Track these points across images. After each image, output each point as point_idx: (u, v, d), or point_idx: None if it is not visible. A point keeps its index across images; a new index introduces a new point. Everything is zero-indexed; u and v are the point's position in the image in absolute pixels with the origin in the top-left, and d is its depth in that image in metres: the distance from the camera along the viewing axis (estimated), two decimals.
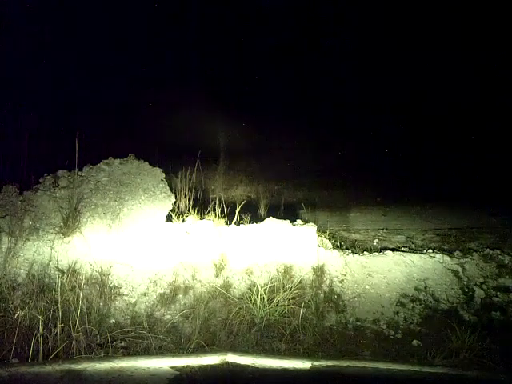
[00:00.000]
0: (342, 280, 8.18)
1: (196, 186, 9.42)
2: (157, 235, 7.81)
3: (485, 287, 8.38)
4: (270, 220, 8.38)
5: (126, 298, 7.22)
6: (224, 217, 8.84)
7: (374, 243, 10.34)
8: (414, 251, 9.48)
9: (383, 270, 8.48)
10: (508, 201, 12.20)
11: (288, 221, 8.47)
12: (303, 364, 2.73)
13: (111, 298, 7.02)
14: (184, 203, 9.04)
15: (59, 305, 5.52)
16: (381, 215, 12.53)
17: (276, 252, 8.08)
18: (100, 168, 8.34)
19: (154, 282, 7.51)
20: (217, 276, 7.80)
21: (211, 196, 9.80)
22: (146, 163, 8.47)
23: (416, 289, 8.13)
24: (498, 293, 8.27)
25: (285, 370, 2.55)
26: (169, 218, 8.42)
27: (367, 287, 8.13)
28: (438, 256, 8.91)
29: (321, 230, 9.38)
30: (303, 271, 8.04)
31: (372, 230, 11.31)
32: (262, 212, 10.24)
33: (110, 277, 7.31)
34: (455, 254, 9.16)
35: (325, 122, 12.69)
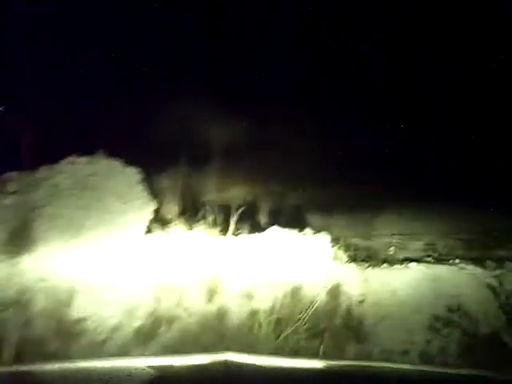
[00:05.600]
0: (362, 301, 7.01)
1: (184, 188, 7.90)
2: (133, 252, 6.31)
3: None
4: (274, 229, 6.94)
5: (92, 334, 5.68)
6: (218, 226, 7.31)
7: (391, 252, 9.13)
8: (439, 261, 8.39)
9: (408, 286, 7.33)
10: None
11: (295, 230, 7.00)
12: (304, 364, 2.76)
13: (72, 336, 5.45)
14: (169, 210, 7.49)
15: None
16: (395, 217, 11.19)
17: (282, 269, 6.82)
18: (61, 168, 6.65)
19: (129, 312, 6.00)
20: (209, 301, 6.42)
21: (203, 200, 8.23)
22: (119, 162, 6.84)
23: (449, 309, 6.96)
24: None
25: (285, 370, 2.54)
26: (150, 230, 6.86)
27: (392, 309, 6.96)
28: (468, 268, 7.83)
29: (334, 239, 7.95)
30: (315, 292, 6.78)
31: (387, 236, 10.09)
32: (263, 219, 8.67)
33: (71, 308, 5.71)
34: (487, 264, 8.02)
35: (332, 110, 11.51)
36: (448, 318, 6.84)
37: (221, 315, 6.23)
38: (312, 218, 9.22)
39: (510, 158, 11.50)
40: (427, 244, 9.77)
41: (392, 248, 9.40)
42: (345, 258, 7.64)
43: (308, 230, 7.73)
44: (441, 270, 7.66)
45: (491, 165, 11.35)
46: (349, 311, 6.71)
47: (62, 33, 9.86)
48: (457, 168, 11.62)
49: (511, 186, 10.89)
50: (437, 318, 6.81)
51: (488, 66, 10.85)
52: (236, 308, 6.43)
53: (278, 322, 6.15)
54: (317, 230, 7.68)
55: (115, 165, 6.84)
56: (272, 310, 6.28)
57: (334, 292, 6.85)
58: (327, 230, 7.99)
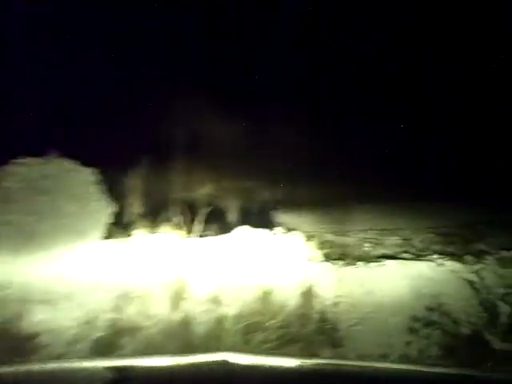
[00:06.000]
0: (337, 303, 6.64)
1: (148, 188, 7.47)
2: (90, 258, 5.88)
3: (509, 300, 6.94)
4: (243, 229, 6.58)
5: (47, 349, 5.23)
6: (184, 227, 6.91)
7: (367, 248, 8.80)
8: (417, 257, 8.14)
9: (385, 285, 7.05)
10: (509, 192, 10.76)
11: (266, 229, 6.64)
12: (303, 364, 2.71)
13: (25, 353, 5.00)
14: (131, 212, 7.06)
15: None
16: (372, 212, 10.89)
17: (252, 271, 6.50)
18: (10, 170, 6.20)
19: (87, 322, 5.55)
20: (174, 309, 5.95)
21: (168, 200, 7.80)
22: (74, 163, 6.39)
23: (429, 308, 6.66)
24: None
25: (285, 370, 2.54)
26: (110, 234, 6.43)
27: (368, 310, 6.60)
28: (447, 263, 7.62)
29: (308, 237, 7.61)
30: (288, 295, 6.46)
31: (363, 231, 9.82)
32: (232, 218, 8.26)
33: (23, 323, 5.26)
34: (466, 259, 7.84)
35: (307, 100, 11.39)
36: (428, 317, 6.53)
37: (186, 323, 5.83)
38: (284, 215, 8.84)
39: (486, 151, 11.64)
40: (404, 239, 9.45)
41: (368, 244, 9.04)
42: (319, 256, 7.29)
43: (280, 229, 7.39)
44: (419, 266, 7.43)
45: (467, 158, 11.55)
46: (323, 314, 6.35)
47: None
48: (432, 162, 11.91)
49: (487, 178, 11.11)
50: (416, 318, 6.48)
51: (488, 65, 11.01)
52: (203, 315, 6.05)
53: (248, 328, 5.76)
54: (289, 229, 7.33)
55: (70, 166, 6.40)
56: (241, 315, 5.91)
57: (308, 294, 6.53)
58: (300, 227, 7.66)
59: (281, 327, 5.83)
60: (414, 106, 11.86)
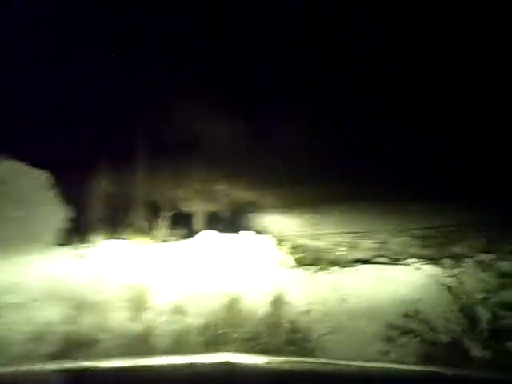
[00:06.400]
0: (309, 311, 6.30)
1: (108, 192, 7.06)
2: (41, 267, 5.42)
3: (489, 305, 6.67)
4: (210, 233, 6.21)
5: None
6: (147, 232, 6.51)
7: (342, 252, 8.52)
8: (394, 262, 7.93)
9: (360, 291, 6.78)
10: (487, 194, 10.45)
11: (235, 233, 6.30)
12: (304, 364, 2.71)
13: None
14: (88, 217, 6.63)
15: None
16: (347, 215, 10.60)
17: (219, 278, 6.07)
18: None
19: (37, 337, 5.10)
20: (133, 320, 5.56)
21: (132, 204, 7.40)
22: (24, 164, 5.94)
23: (406, 315, 6.34)
24: (507, 312, 6.55)
25: (285, 370, 2.55)
26: (67, 240, 6.00)
27: (343, 318, 6.28)
28: (425, 267, 7.45)
29: (280, 241, 7.26)
30: (256, 303, 6.14)
31: (338, 234, 9.54)
32: (200, 222, 7.85)
33: None
34: (444, 262, 7.67)
35: (277, 100, 11.31)
36: (405, 325, 6.21)
37: (147, 335, 5.42)
38: (256, 219, 8.49)
39: (462, 151, 11.34)
40: (381, 242, 9.24)
41: (343, 248, 8.76)
42: (291, 261, 6.95)
43: (250, 233, 7.03)
44: (395, 271, 7.22)
45: (443, 159, 11.33)
46: (294, 323, 5.99)
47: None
48: (409, 164, 11.50)
49: (464, 179, 10.69)
50: (393, 326, 6.16)
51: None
52: (164, 326, 5.69)
53: (213, 340, 5.39)
54: (260, 232, 6.99)
55: (20, 167, 5.96)
56: (206, 326, 5.55)
57: (278, 302, 6.23)
58: (272, 231, 7.33)
59: (249, 339, 5.50)
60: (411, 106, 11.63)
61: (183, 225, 7.21)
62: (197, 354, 3.71)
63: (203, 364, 2.55)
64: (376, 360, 5.63)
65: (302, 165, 11.38)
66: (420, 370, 2.68)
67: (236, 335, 5.46)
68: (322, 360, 3.07)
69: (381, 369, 2.68)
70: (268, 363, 2.62)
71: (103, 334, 5.39)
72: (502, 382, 2.51)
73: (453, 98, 11.11)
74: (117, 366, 2.55)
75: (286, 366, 2.64)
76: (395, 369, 2.73)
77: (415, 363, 5.66)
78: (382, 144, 11.77)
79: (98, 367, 2.51)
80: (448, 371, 2.66)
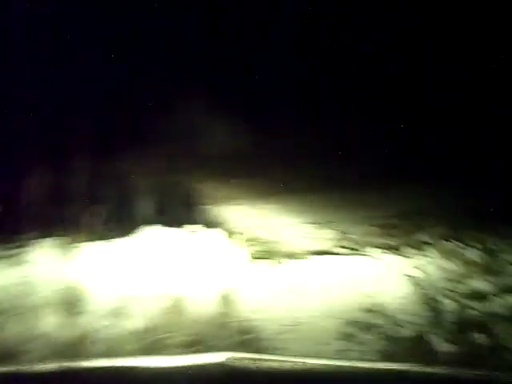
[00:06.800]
0: (262, 309, 5.96)
1: (44, 184, 6.56)
2: None
3: (455, 296, 6.44)
4: (155, 228, 5.74)
5: None
6: (85, 229, 6.02)
7: (300, 243, 8.18)
8: (354, 252, 7.77)
9: (318, 285, 6.48)
10: (452, 179, 10.67)
11: (183, 227, 5.87)
12: (304, 364, 2.59)
13: None
14: (19, 213, 6.13)
15: None
16: (307, 205, 10.30)
17: (164, 277, 5.80)
18: None
19: None
20: (66, 325, 5.26)
21: (68, 198, 6.90)
22: None
23: (366, 310, 6.05)
24: (474, 302, 6.29)
25: (286, 370, 2.47)
26: None
27: (298, 315, 5.90)
28: (386, 258, 7.30)
29: (233, 234, 6.98)
30: (204, 303, 5.71)
31: (297, 225, 9.15)
32: (144, 216, 7.36)
33: None
34: (407, 252, 7.57)
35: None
36: (365, 320, 5.88)
37: (80, 343, 4.98)
38: (208, 211, 8.08)
39: (424, 136, 11.83)
40: (342, 232, 8.96)
41: (303, 240, 8.47)
42: (244, 256, 6.64)
43: (200, 227, 6.61)
44: (355, 262, 7.08)
45: (404, 145, 11.58)
46: (245, 323, 5.61)
47: None
48: (370, 151, 11.89)
49: (428, 165, 11.07)
50: (353, 322, 5.83)
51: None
52: (101, 332, 5.20)
53: (154, 346, 4.94)
54: (210, 226, 6.58)
55: None
56: (147, 331, 5.13)
57: (228, 301, 5.84)
58: (224, 224, 6.95)
59: (194, 343, 5.05)
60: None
61: (125, 220, 6.70)
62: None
63: (202, 364, 2.49)
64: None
65: (260, 155, 11.24)
66: (420, 370, 2.59)
67: (178, 339, 5.03)
68: (323, 360, 2.96)
69: (382, 369, 2.66)
70: (268, 363, 2.59)
71: (31, 343, 4.90)
72: (501, 383, 2.47)
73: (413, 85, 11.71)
74: (116, 365, 2.52)
75: (287, 366, 2.56)
76: (397, 369, 2.67)
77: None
78: (342, 132, 11.87)
79: (97, 367, 2.48)
80: (449, 371, 2.63)
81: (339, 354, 5.30)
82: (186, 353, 4.75)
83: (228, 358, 2.37)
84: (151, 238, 6.09)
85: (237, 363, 2.38)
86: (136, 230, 6.36)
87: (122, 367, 2.48)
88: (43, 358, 4.66)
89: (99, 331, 5.16)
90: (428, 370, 2.63)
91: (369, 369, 2.61)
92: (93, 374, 2.37)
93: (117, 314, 5.41)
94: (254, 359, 2.55)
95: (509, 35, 10.42)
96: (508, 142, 10.70)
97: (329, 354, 5.28)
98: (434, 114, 11.99)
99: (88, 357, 4.68)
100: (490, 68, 11.28)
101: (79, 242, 6.04)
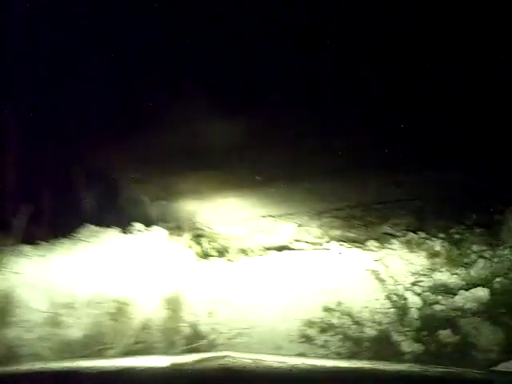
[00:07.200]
0: (214, 312, 5.55)
1: None
2: None
3: (419, 290, 6.16)
4: (86, 229, 5.23)
5: None
6: (10, 231, 5.51)
7: (256, 239, 7.93)
8: (314, 247, 7.51)
9: (275, 283, 6.13)
10: (412, 166, 10.24)
11: (128, 226, 5.45)
12: (303, 364, 2.52)
13: None
14: None
15: None
16: (263, 198, 9.94)
17: (105, 281, 5.30)
18: None
19: None
20: None
21: None
22: None
23: (326, 309, 5.72)
24: (439, 296, 6.01)
25: (286, 370, 2.42)
26: None
27: (253, 317, 5.53)
28: (348, 251, 7.06)
29: (184, 231, 6.49)
30: (150, 307, 5.28)
31: (254, 219, 8.84)
32: (83, 214, 6.81)
33: None
34: (369, 244, 7.34)
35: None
36: (325, 320, 5.56)
37: (10, 357, 4.48)
38: (156, 207, 7.63)
39: (389, 124, 11.04)
40: (300, 225, 8.74)
41: (259, 234, 8.18)
42: (192, 255, 6.18)
43: (148, 225, 6.16)
44: (314, 257, 6.75)
45: (366, 133, 10.94)
46: (196, 327, 5.23)
47: None
48: (330, 141, 10.98)
49: (390, 154, 10.41)
50: (312, 322, 5.50)
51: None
52: (35, 343, 4.70)
53: (95, 355, 4.56)
54: (156, 223, 6.12)
55: None
56: (86, 339, 4.73)
57: (176, 304, 5.48)
58: (176, 220, 6.51)
59: (138, 352, 4.62)
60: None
61: (64, 219, 6.17)
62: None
63: (202, 364, 2.41)
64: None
65: (219, 148, 10.98)
66: (420, 370, 2.58)
67: (121, 350, 4.57)
68: (323, 360, 3.12)
69: (382, 369, 2.62)
70: (268, 363, 2.50)
71: None
72: (503, 383, 2.51)
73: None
74: (116, 365, 2.49)
75: (287, 366, 2.48)
76: (396, 369, 2.68)
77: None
78: (303, 122, 11.69)
79: (97, 367, 2.47)
80: (449, 371, 2.64)
81: (298, 357, 4.90)
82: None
83: (227, 358, 2.36)
84: (91, 238, 5.58)
85: (236, 363, 2.36)
86: (75, 230, 5.83)
87: (121, 367, 2.46)
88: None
89: (31, 343, 4.67)
90: (428, 369, 2.60)
91: (368, 369, 2.59)
92: (93, 374, 2.35)
93: (53, 323, 4.94)
94: (254, 359, 2.50)
95: (509, 35, 10.47)
96: (469, 129, 10.66)
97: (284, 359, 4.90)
98: (394, 102, 11.94)
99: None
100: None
101: (6, 245, 5.48)
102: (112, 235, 5.76)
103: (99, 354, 4.56)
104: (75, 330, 4.81)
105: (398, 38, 11.64)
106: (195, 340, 5.04)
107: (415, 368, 2.73)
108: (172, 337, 5.01)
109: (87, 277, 5.26)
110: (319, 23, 11.72)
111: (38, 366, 2.61)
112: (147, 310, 5.18)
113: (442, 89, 11.68)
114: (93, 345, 4.66)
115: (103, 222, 5.97)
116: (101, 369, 2.44)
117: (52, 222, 6.03)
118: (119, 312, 5.09)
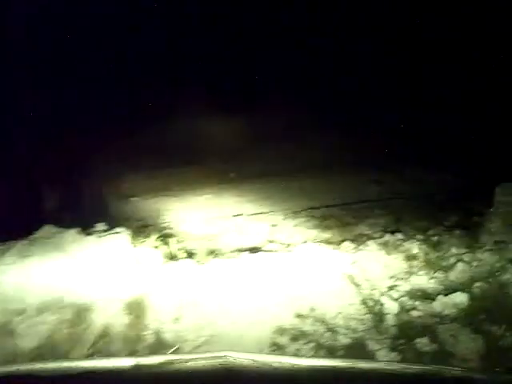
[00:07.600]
0: (179, 317, 5.26)
1: None
2: None
3: (396, 295, 5.94)
4: (44, 230, 4.98)
5: None
6: None
7: (226, 239, 7.61)
8: (286, 248, 7.16)
9: (245, 287, 5.84)
10: (391, 165, 10.61)
11: (80, 227, 5.18)
12: (303, 363, 2.65)
13: None
14: None
15: None
16: (237, 197, 9.75)
17: (61, 286, 5.00)
18: None
19: None
20: None
21: None
22: None
23: (298, 315, 5.45)
24: (417, 302, 5.81)
25: (286, 370, 2.47)
26: None
27: (221, 323, 5.26)
28: (321, 253, 6.65)
29: (146, 232, 6.62)
30: (110, 314, 4.97)
31: (225, 219, 8.49)
32: (34, 214, 6.58)
33: None
34: (344, 246, 7.02)
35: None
36: (297, 327, 5.31)
37: None
38: (121, 206, 7.40)
39: (371, 123, 11.86)
40: (273, 225, 8.34)
41: (229, 234, 7.90)
42: (157, 257, 6.06)
43: (110, 225, 5.93)
44: (286, 259, 6.43)
45: (350, 131, 11.50)
46: (159, 335, 4.96)
47: None
48: (312, 137, 11.56)
49: (371, 152, 10.95)
50: (282, 330, 5.25)
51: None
52: None
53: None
54: (118, 223, 5.90)
55: None
56: (40, 348, 4.46)
57: (138, 310, 5.14)
58: (141, 219, 6.28)
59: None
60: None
61: (18, 218, 5.90)
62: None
63: (202, 363, 2.44)
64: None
65: (192, 145, 10.80)
66: (421, 370, 2.60)
67: (83, 351, 4.33)
68: (323, 360, 3.10)
69: (382, 369, 2.68)
70: (268, 363, 2.54)
71: None
72: (502, 383, 2.52)
73: None
74: (115, 365, 2.50)
75: (287, 366, 2.53)
76: (397, 369, 2.74)
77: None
78: (283, 117, 11.98)
79: (97, 367, 2.47)
80: (450, 371, 2.65)
81: None
82: None
83: (227, 358, 2.32)
84: (50, 239, 5.31)
85: (236, 363, 2.32)
86: (32, 231, 5.57)
87: (121, 367, 2.44)
88: None
89: None
90: (428, 369, 2.63)
91: (368, 369, 2.61)
92: (93, 374, 2.33)
93: (4, 332, 4.68)
94: (254, 359, 2.49)
95: (509, 35, 10.64)
96: (451, 129, 10.71)
97: None
98: (374, 100, 12.03)
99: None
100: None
101: None
102: (73, 236, 5.48)
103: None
104: (28, 338, 4.54)
105: (397, 37, 11.85)
106: (158, 348, 4.78)
107: (415, 368, 2.73)
108: (133, 345, 4.74)
109: (43, 281, 4.98)
110: (319, 23, 12.00)
111: (38, 366, 2.60)
112: (108, 316, 4.89)
113: (428, 85, 11.79)
114: (47, 355, 4.39)
115: (64, 222, 5.71)
116: (101, 369, 2.42)
117: (7, 223, 5.78)
118: (77, 318, 4.80)
